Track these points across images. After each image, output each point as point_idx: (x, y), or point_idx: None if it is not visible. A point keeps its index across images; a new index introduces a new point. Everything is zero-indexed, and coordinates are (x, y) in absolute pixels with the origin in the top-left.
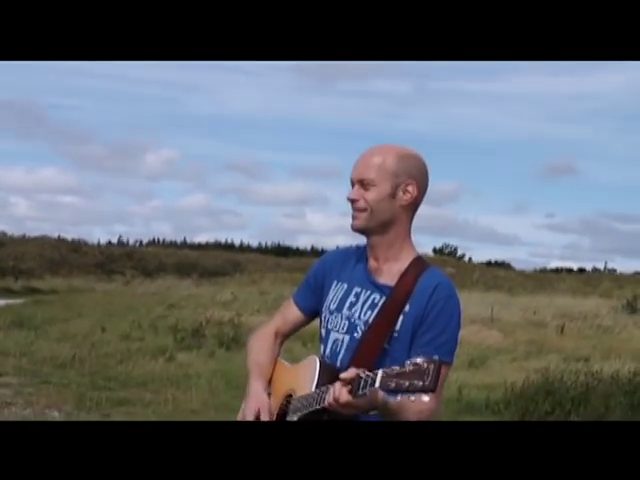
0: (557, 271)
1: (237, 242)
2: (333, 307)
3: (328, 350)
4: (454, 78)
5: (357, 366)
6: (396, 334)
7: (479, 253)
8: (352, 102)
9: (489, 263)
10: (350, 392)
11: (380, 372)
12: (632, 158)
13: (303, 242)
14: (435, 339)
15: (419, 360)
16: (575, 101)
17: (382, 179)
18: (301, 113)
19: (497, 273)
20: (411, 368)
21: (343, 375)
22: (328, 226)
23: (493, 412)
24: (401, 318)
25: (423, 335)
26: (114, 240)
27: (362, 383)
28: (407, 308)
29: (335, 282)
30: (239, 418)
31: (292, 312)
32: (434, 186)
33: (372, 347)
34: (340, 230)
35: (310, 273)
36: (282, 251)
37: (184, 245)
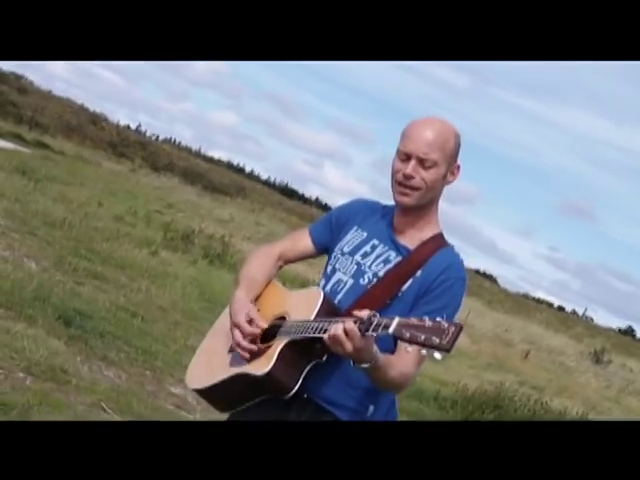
0: (538, 301)
1: (248, 169)
2: (346, 250)
3: (328, 287)
4: (510, 89)
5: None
6: (400, 294)
7: (472, 260)
8: (408, 78)
9: (477, 271)
10: (359, 330)
11: (396, 319)
12: None
13: (311, 191)
14: (435, 312)
15: (439, 319)
16: (619, 152)
17: (443, 161)
18: (357, 72)
19: (482, 283)
20: (430, 324)
21: (357, 312)
22: (341, 185)
23: (439, 407)
24: (410, 281)
25: (425, 305)
26: (133, 126)
27: (374, 325)
28: (419, 273)
29: (355, 227)
30: (220, 322)
31: (304, 241)
32: (455, 184)
33: (376, 299)
34: (350, 192)
35: (333, 212)
36: (288, 192)
37: (197, 154)
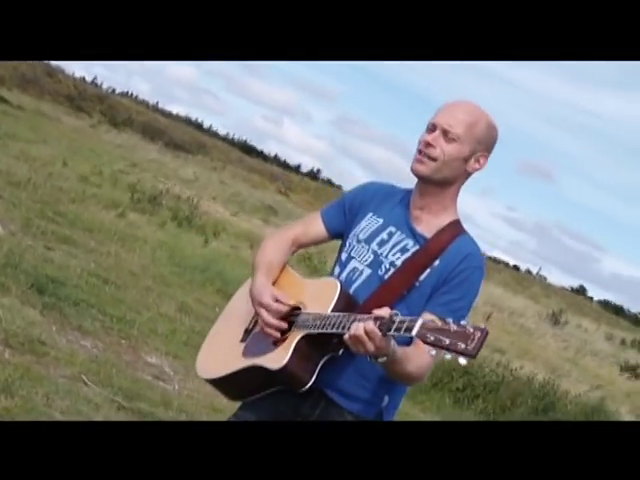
0: (495, 261)
1: (206, 124)
2: (362, 237)
3: (344, 275)
4: None
5: (375, 303)
6: (418, 284)
7: None
8: None
9: None
10: (380, 330)
11: (419, 321)
12: (608, 187)
13: (269, 148)
14: (452, 302)
15: (464, 322)
16: (581, 115)
17: (466, 140)
18: None
19: None
20: (455, 328)
21: (377, 312)
22: (300, 142)
23: None
24: (428, 271)
25: (442, 295)
26: (89, 79)
27: (396, 325)
28: (436, 263)
29: (371, 214)
30: (230, 309)
31: (316, 226)
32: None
33: (394, 290)
34: (309, 150)
35: (347, 195)
36: (247, 149)
37: (156, 109)
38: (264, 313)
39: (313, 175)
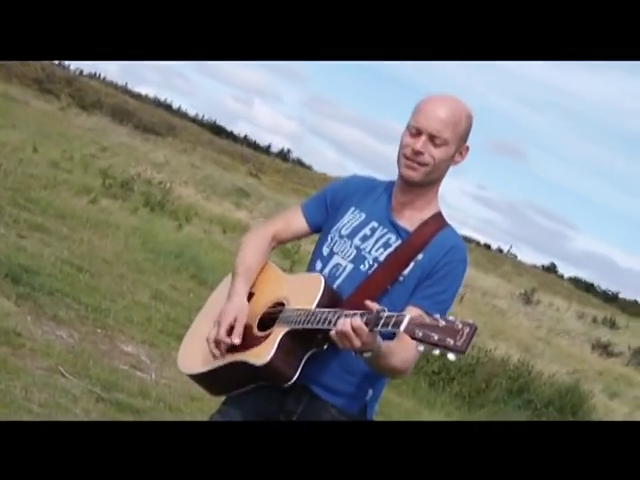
0: (466, 240)
1: (175, 105)
2: (344, 233)
3: (326, 271)
4: None
5: (359, 298)
6: (402, 278)
7: None
8: None
9: None
10: (367, 325)
11: (407, 316)
12: (580, 165)
13: (239, 129)
14: (436, 295)
15: (453, 318)
16: (553, 93)
17: (453, 140)
18: None
19: None
20: (443, 324)
21: (369, 303)
22: (270, 122)
23: None
24: (412, 265)
25: (426, 288)
26: (55, 61)
27: (384, 321)
28: (420, 256)
29: (353, 208)
30: (211, 304)
31: (297, 221)
32: (388, 122)
33: (377, 285)
34: (280, 130)
35: (328, 189)
36: (216, 130)
37: (124, 90)
38: (212, 331)
39: (283, 155)
